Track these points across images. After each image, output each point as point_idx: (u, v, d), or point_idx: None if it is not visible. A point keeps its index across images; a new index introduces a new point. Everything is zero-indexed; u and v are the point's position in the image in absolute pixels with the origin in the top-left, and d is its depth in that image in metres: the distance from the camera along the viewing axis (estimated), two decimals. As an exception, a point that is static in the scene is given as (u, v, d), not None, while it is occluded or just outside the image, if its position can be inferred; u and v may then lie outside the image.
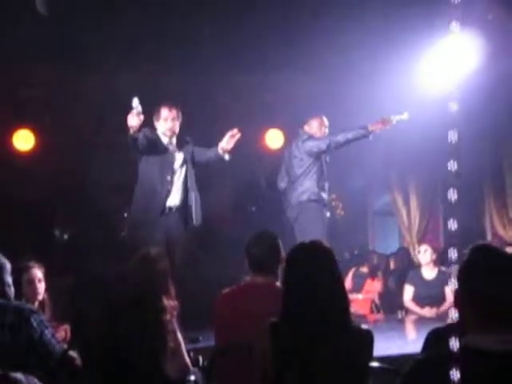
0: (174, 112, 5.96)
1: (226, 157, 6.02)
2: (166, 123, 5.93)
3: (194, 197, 5.95)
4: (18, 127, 8.55)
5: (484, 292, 2.22)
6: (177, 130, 5.99)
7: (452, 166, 2.12)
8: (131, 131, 5.48)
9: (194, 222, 5.94)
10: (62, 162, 8.28)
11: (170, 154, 5.94)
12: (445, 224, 10.10)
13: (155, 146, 5.85)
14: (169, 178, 5.84)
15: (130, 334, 3.21)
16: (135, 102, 5.39)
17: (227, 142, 5.98)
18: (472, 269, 2.29)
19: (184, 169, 5.99)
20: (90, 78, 7.90)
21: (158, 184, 5.82)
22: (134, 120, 5.42)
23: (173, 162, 5.93)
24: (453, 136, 2.10)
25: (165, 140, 5.96)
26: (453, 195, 2.09)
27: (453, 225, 2.07)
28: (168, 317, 3.44)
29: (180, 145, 6.04)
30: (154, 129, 5.95)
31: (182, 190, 5.93)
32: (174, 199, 5.87)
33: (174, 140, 6.01)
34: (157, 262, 3.77)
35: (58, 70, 7.68)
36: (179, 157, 5.99)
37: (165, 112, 5.94)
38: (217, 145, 6.05)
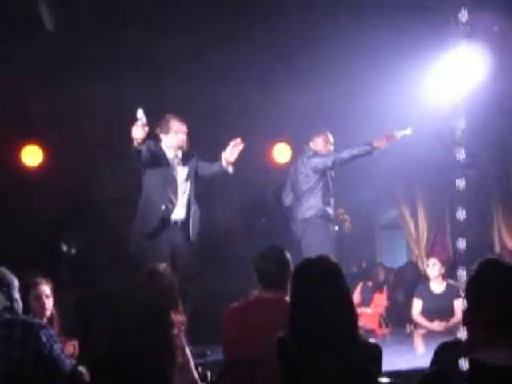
0: (185, 125, 5.93)
1: (230, 169, 5.96)
2: (177, 136, 5.88)
3: (192, 211, 5.90)
4: (26, 143, 8.58)
5: (492, 306, 2.22)
6: (185, 144, 5.95)
7: (460, 184, 2.12)
8: (135, 143, 5.41)
9: (191, 236, 5.88)
10: (70, 176, 8.30)
11: (174, 169, 5.89)
12: (452, 237, 10.08)
13: (159, 160, 5.79)
14: (171, 191, 5.79)
15: (138, 350, 3.21)
16: (140, 113, 5.33)
17: (230, 153, 5.91)
18: (480, 283, 2.28)
19: (188, 183, 5.95)
20: (97, 92, 7.93)
21: (161, 198, 5.77)
22: (138, 132, 5.35)
23: (176, 177, 5.88)
24: (459, 154, 2.11)
25: (170, 154, 5.90)
26: (461, 214, 2.09)
27: (461, 244, 2.07)
28: (176, 331, 3.43)
29: (185, 159, 5.99)
30: (158, 142, 5.89)
31: (186, 205, 5.89)
32: (178, 213, 5.83)
33: (180, 154, 5.96)
34: (164, 276, 3.77)
35: (65, 85, 7.70)
36: (183, 171, 5.94)
37: (176, 125, 5.89)
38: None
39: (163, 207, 5.74)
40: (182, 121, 5.95)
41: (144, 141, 5.48)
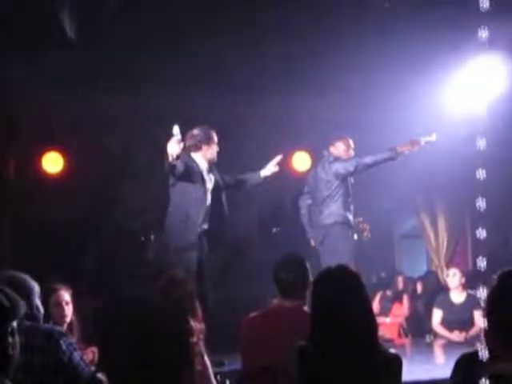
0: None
1: (260, 179, 6.30)
2: (217, 148, 5.98)
3: (221, 221, 5.99)
4: (48, 149, 8.64)
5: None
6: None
7: (480, 174, 2.11)
8: (170, 159, 5.39)
9: (215, 245, 6.02)
10: (90, 184, 8.35)
11: (206, 182, 5.93)
12: (473, 247, 10.02)
13: (192, 174, 5.81)
14: (203, 204, 5.84)
15: (157, 358, 3.21)
16: (176, 129, 5.31)
17: (271, 171, 6.19)
18: (501, 296, 2.26)
19: (214, 192, 5.99)
20: (118, 101, 7.97)
21: (198, 214, 5.81)
22: (174, 148, 5.32)
23: (207, 188, 5.93)
24: (481, 143, 2.10)
25: (203, 166, 5.94)
26: (482, 204, 2.09)
27: (481, 233, 2.07)
28: (195, 339, 3.43)
29: (210, 170, 6.04)
30: (188, 153, 5.87)
31: (213, 213, 5.94)
32: (206, 222, 5.89)
33: (207, 164, 6.00)
34: (184, 284, 3.78)
35: (86, 93, 7.75)
36: (211, 183, 5.99)
37: (215, 137, 5.98)
38: (245, 168, 6.07)
39: (199, 223, 5.80)
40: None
41: (179, 157, 5.47)
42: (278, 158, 6.26)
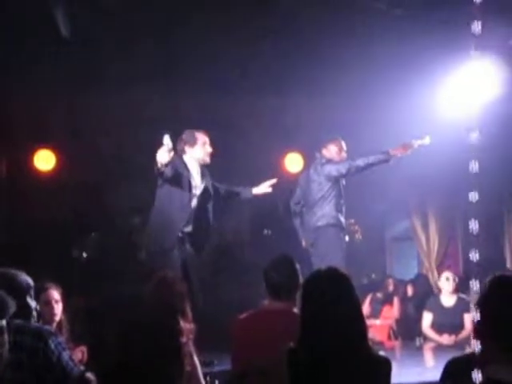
0: (208, 139, 6.00)
1: (251, 195, 6.33)
2: (205, 148, 5.94)
3: (204, 228, 5.99)
4: (40, 147, 8.61)
5: (505, 322, 2.20)
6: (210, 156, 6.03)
7: (473, 197, 2.11)
8: (159, 165, 5.42)
9: (202, 248, 6.01)
10: (82, 182, 8.33)
11: (193, 186, 5.91)
12: (464, 250, 10.04)
13: (180, 177, 5.81)
14: (189, 209, 5.83)
15: (147, 357, 3.20)
16: (166, 139, 5.32)
17: (263, 191, 6.23)
18: (493, 300, 2.26)
19: (202, 198, 5.97)
20: (111, 100, 7.96)
21: (180, 217, 5.81)
22: (164, 156, 5.35)
23: (194, 192, 5.90)
24: (474, 166, 2.10)
25: (193, 167, 5.93)
26: (474, 226, 2.09)
27: (474, 256, 2.07)
28: (184, 339, 3.42)
29: (202, 174, 6.02)
30: (180, 156, 5.89)
31: (199, 219, 5.93)
32: (190, 226, 5.88)
33: (198, 167, 5.99)
34: (174, 284, 3.77)
35: (79, 91, 7.74)
36: (200, 186, 5.97)
37: (201, 137, 5.95)
38: (237, 170, 6.06)
39: (181, 226, 5.79)
40: (205, 132, 6.01)
41: (168, 165, 5.49)
42: (274, 180, 6.31)
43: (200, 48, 6.88)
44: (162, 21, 6.46)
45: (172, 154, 5.42)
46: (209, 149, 5.96)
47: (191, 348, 3.52)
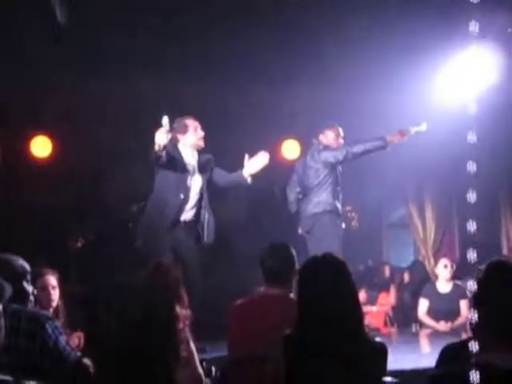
0: (199, 124, 5.94)
1: (249, 180, 5.97)
2: (196, 133, 5.89)
3: (206, 216, 5.93)
4: (36, 134, 8.59)
5: (500, 308, 2.20)
6: (203, 140, 5.95)
7: (471, 167, 2.11)
8: (157, 148, 5.40)
9: (206, 239, 5.95)
10: (78, 169, 8.33)
11: (189, 172, 5.87)
12: (460, 237, 10.07)
13: (175, 163, 5.78)
14: (182, 195, 5.78)
15: (143, 344, 3.21)
16: (165, 120, 5.30)
17: (254, 164, 5.91)
18: (489, 287, 2.27)
19: (200, 187, 5.93)
20: (109, 86, 7.94)
21: (172, 198, 5.78)
22: (162, 138, 5.33)
23: (190, 179, 5.87)
24: (472, 137, 2.10)
25: (187, 155, 5.89)
26: (472, 196, 2.09)
27: (472, 226, 2.07)
28: (181, 325, 3.43)
29: (200, 161, 5.98)
30: (174, 144, 5.85)
31: (196, 207, 5.90)
32: (186, 214, 5.85)
33: (196, 155, 5.95)
34: (169, 270, 3.77)
35: (76, 78, 7.72)
36: (197, 174, 5.93)
37: (192, 122, 5.90)
38: (233, 156, 6.01)
39: (176, 210, 5.77)
40: (196, 119, 5.95)
41: (166, 147, 5.48)
42: (266, 154, 6.02)
43: (198, 36, 6.85)
44: (160, 8, 6.43)
45: (170, 136, 5.40)
46: (200, 133, 5.91)
47: (187, 334, 3.51)
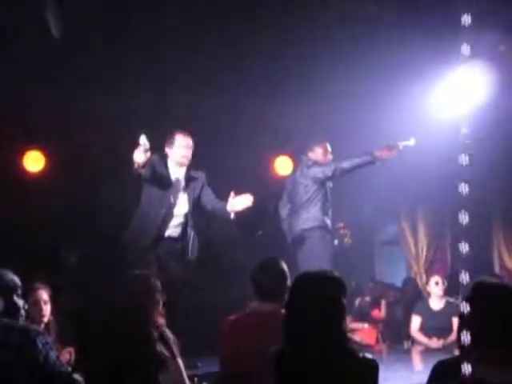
0: (189, 140, 5.87)
1: (232, 216, 5.83)
2: (180, 151, 5.82)
3: (192, 235, 5.90)
4: (29, 148, 8.58)
5: (489, 325, 2.21)
6: (190, 159, 5.88)
7: (463, 188, 2.11)
8: (136, 166, 5.39)
9: (190, 255, 5.90)
10: (71, 183, 8.29)
11: (175, 188, 5.83)
12: (452, 253, 10.08)
13: (161, 178, 5.75)
14: (164, 210, 5.74)
15: (125, 353, 3.21)
16: (143, 139, 5.24)
17: (238, 203, 5.77)
18: (476, 301, 2.28)
19: (186, 203, 5.89)
20: (101, 100, 7.94)
21: (153, 214, 5.75)
22: (140, 157, 5.31)
23: (175, 196, 5.82)
24: (464, 159, 2.10)
25: (174, 170, 5.86)
26: (464, 218, 2.09)
27: (464, 248, 2.07)
28: (156, 335, 3.45)
29: (187, 178, 5.93)
30: (163, 156, 5.85)
31: (182, 224, 5.87)
32: (172, 230, 5.81)
33: (183, 171, 5.91)
34: (148, 279, 3.81)
35: (69, 92, 7.71)
36: (183, 191, 5.89)
37: (180, 139, 5.84)
38: (226, 173, 5.99)
39: (158, 226, 5.73)
40: (187, 135, 5.89)
41: (145, 165, 5.45)
42: (249, 196, 5.84)
43: (192, 49, 6.87)
44: (151, 21, 6.45)
45: (148, 154, 5.36)
46: (184, 152, 5.83)
47: (174, 349, 3.52)
